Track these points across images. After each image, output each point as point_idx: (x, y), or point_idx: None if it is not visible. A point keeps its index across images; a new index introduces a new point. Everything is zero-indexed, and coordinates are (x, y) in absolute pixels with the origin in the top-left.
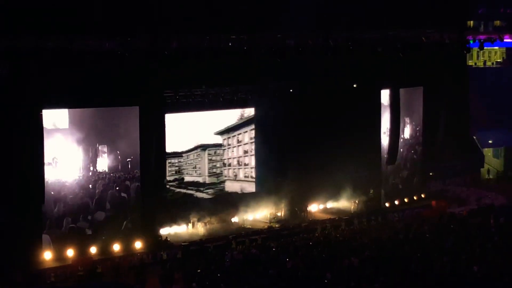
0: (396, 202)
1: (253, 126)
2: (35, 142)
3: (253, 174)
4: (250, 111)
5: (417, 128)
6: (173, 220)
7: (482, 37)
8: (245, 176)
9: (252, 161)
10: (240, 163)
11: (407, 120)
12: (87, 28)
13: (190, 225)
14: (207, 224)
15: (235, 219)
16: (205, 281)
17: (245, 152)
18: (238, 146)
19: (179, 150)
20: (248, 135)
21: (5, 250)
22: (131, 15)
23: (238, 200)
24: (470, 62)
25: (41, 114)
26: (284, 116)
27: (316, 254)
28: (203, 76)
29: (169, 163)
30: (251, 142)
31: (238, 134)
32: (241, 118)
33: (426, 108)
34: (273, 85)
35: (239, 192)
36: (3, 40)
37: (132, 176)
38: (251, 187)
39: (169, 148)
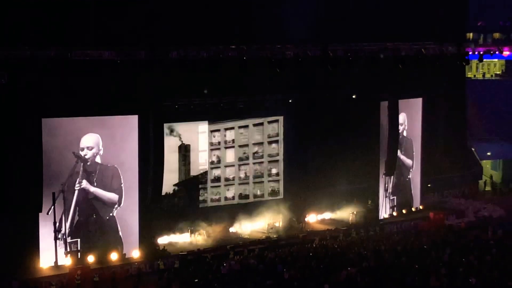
0: (394, 214)
1: None
2: (34, 150)
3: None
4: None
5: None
6: (171, 229)
7: (481, 49)
8: None
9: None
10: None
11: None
12: (86, 38)
13: (188, 234)
14: (205, 233)
15: (233, 229)
16: None
17: None
18: None
19: None
20: None
21: (2, 258)
22: (131, 26)
23: (236, 210)
24: (469, 74)
25: (41, 123)
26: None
27: (314, 265)
28: (202, 86)
29: None
30: None
31: None
32: None
33: (424, 120)
34: (272, 97)
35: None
36: (3, 49)
37: None
38: None
39: None
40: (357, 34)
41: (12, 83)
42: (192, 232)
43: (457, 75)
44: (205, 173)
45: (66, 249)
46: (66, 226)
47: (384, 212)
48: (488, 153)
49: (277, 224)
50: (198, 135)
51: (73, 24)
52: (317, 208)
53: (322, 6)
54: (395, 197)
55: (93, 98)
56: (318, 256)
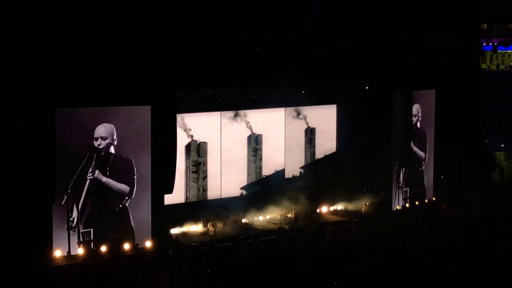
0: (407, 205)
1: None
2: (47, 141)
3: None
4: None
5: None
6: (183, 220)
7: (495, 40)
8: None
9: None
10: None
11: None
12: (99, 28)
13: (200, 225)
14: (217, 224)
15: (245, 220)
16: (214, 281)
17: None
18: None
19: None
20: None
21: (16, 248)
22: (144, 14)
23: (248, 201)
24: (483, 65)
25: (54, 113)
26: None
27: (326, 256)
28: (215, 77)
29: None
30: None
31: None
32: None
33: (438, 111)
34: (285, 88)
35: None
36: (15, 40)
37: None
38: None
39: None
40: (370, 25)
41: (25, 74)
42: (204, 222)
43: (471, 67)
44: None
45: (79, 239)
46: (78, 217)
47: (397, 203)
48: (502, 145)
49: (289, 215)
50: (210, 126)
51: (85, 13)
52: (330, 199)
53: None
54: (408, 189)
55: (105, 88)
56: (330, 247)
